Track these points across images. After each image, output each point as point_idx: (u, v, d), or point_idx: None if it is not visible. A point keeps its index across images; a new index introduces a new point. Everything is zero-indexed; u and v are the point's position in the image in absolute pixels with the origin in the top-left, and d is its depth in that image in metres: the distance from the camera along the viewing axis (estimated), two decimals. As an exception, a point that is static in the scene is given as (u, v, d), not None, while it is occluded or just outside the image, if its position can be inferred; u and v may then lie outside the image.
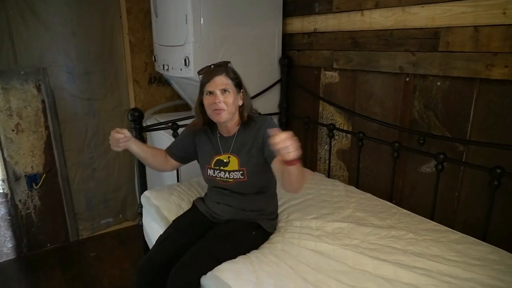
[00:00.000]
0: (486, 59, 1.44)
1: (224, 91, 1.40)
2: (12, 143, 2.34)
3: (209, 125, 1.56)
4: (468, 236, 1.49)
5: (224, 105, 1.40)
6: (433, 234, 1.50)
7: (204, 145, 1.58)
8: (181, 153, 1.66)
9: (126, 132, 1.46)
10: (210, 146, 1.56)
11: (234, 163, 1.49)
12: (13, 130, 2.33)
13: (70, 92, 2.50)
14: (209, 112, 1.44)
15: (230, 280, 1.19)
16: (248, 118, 1.49)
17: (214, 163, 1.53)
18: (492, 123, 1.50)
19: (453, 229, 1.56)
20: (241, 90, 1.47)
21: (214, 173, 1.53)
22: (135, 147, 1.54)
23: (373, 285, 1.21)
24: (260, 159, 1.46)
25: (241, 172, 1.47)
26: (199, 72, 1.48)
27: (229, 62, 1.49)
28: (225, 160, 1.51)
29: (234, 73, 1.46)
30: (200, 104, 1.48)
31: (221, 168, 1.51)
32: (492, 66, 1.42)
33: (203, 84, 1.43)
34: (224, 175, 1.50)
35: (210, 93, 1.41)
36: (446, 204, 1.71)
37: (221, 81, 1.40)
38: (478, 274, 1.24)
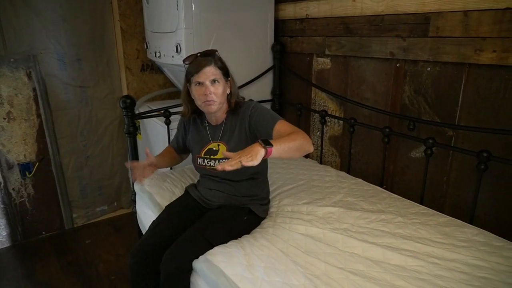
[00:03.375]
0: (475, 44, 1.45)
1: (214, 81, 1.39)
2: (3, 131, 2.33)
3: (197, 114, 1.56)
4: (456, 219, 1.52)
5: (215, 96, 1.39)
6: (422, 218, 1.53)
7: (193, 135, 1.58)
8: (180, 145, 1.68)
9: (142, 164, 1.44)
10: (199, 135, 1.56)
11: (222, 150, 1.50)
12: (4, 118, 2.31)
13: (62, 80, 2.48)
14: (199, 103, 1.43)
15: (222, 263, 1.22)
16: (235, 105, 1.49)
17: (205, 152, 1.54)
18: (481, 107, 1.51)
19: (442, 213, 1.59)
20: (229, 78, 1.46)
21: (203, 162, 1.53)
22: (160, 165, 1.57)
23: (361, 266, 1.24)
24: (250, 144, 1.46)
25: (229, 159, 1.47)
26: (184, 61, 1.45)
27: (216, 50, 1.46)
28: (214, 148, 1.52)
29: (222, 61, 1.45)
30: (187, 92, 1.48)
31: (211, 157, 1.52)
32: (481, 51, 1.43)
33: (190, 74, 1.41)
34: (213, 164, 1.51)
35: (200, 83, 1.39)
36: (436, 188, 1.74)
37: (211, 71, 1.38)
38: (463, 255, 1.28)
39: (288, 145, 1.19)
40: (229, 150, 1.48)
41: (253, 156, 1.10)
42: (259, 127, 1.39)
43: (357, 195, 1.75)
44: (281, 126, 1.33)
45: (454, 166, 1.66)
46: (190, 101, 1.49)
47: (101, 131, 2.72)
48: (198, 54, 1.43)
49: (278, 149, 1.16)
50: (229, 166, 1.07)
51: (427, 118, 1.71)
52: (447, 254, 1.29)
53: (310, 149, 1.27)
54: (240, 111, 1.48)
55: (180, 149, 1.70)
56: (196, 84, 1.40)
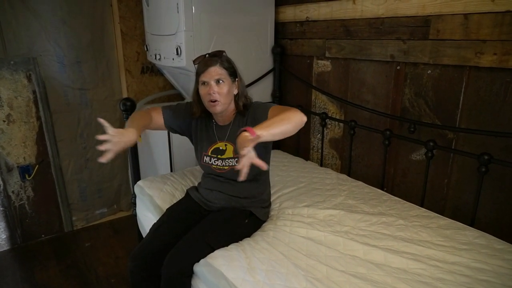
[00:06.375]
0: (475, 47, 1.45)
1: (218, 81, 1.40)
2: (3, 134, 2.32)
3: (206, 113, 1.56)
4: (456, 222, 1.52)
5: (218, 96, 1.40)
6: (422, 220, 1.53)
7: (201, 132, 1.58)
8: (173, 124, 1.58)
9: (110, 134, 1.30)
10: (207, 133, 1.57)
11: (230, 150, 1.50)
12: (4, 121, 2.31)
13: (61, 82, 2.48)
14: (205, 103, 1.45)
15: (223, 267, 1.21)
16: (244, 107, 1.50)
17: (212, 151, 1.54)
18: (481, 110, 1.52)
19: (443, 215, 1.59)
20: (236, 79, 1.47)
21: (210, 161, 1.54)
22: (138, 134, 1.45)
23: (363, 269, 1.24)
24: (256, 145, 1.46)
25: (236, 159, 1.48)
26: (194, 62, 1.48)
27: (223, 51, 1.48)
28: (221, 148, 1.52)
29: (229, 62, 1.46)
30: (197, 92, 1.49)
31: (218, 156, 1.53)
32: (481, 53, 1.43)
33: (198, 74, 1.44)
34: (220, 163, 1.52)
35: (205, 83, 1.41)
36: (436, 191, 1.73)
37: (216, 71, 1.40)
38: (464, 258, 1.28)
39: (274, 123, 1.23)
40: (235, 150, 1.48)
41: (242, 144, 1.13)
42: (257, 122, 1.37)
43: (358, 197, 1.75)
44: (272, 112, 1.38)
45: (454, 169, 1.66)
46: (200, 101, 1.50)
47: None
48: (207, 55, 1.46)
49: (263, 130, 1.18)
50: (241, 166, 1.12)
51: (427, 121, 1.71)
52: (448, 257, 1.29)
53: (302, 118, 1.29)
54: (247, 112, 1.49)
55: (166, 123, 1.57)
56: (202, 84, 1.43)
